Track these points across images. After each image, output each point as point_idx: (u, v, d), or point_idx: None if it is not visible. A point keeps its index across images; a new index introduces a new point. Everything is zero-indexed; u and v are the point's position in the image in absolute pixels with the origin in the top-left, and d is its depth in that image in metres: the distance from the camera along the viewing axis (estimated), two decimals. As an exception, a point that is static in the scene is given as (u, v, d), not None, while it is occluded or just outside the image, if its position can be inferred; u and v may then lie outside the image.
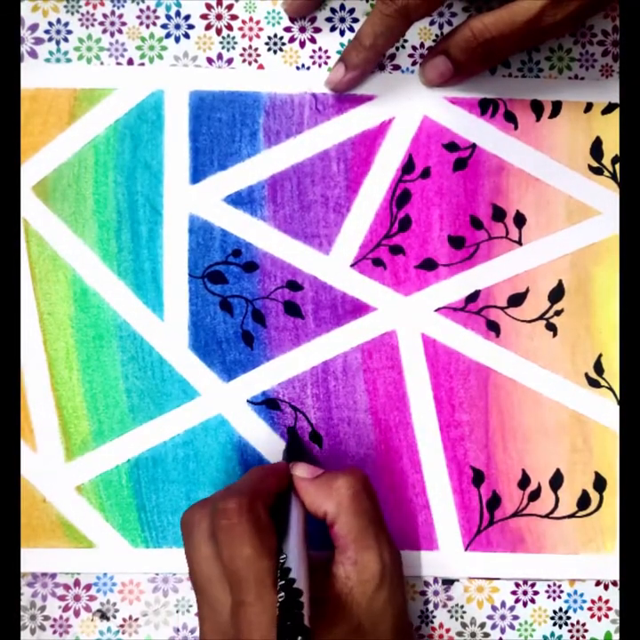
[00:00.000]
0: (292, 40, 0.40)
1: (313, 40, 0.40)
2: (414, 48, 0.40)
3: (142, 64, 0.40)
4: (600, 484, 0.39)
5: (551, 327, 0.40)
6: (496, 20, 0.36)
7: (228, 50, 0.40)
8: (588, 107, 0.40)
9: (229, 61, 0.40)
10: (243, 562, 0.30)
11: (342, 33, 0.40)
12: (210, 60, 0.40)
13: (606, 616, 0.39)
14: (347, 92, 0.40)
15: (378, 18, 0.36)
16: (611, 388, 0.39)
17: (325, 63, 0.40)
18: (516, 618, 0.39)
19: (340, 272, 0.40)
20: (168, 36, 0.40)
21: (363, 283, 0.40)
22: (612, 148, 0.40)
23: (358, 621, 0.31)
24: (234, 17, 0.40)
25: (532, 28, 0.35)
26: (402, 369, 0.39)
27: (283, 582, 0.29)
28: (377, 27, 0.36)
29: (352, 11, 0.40)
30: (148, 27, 0.40)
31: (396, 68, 0.40)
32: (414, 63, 0.40)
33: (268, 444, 0.39)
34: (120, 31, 0.40)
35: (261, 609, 0.29)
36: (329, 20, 0.40)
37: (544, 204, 0.40)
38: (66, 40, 0.40)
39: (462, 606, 0.39)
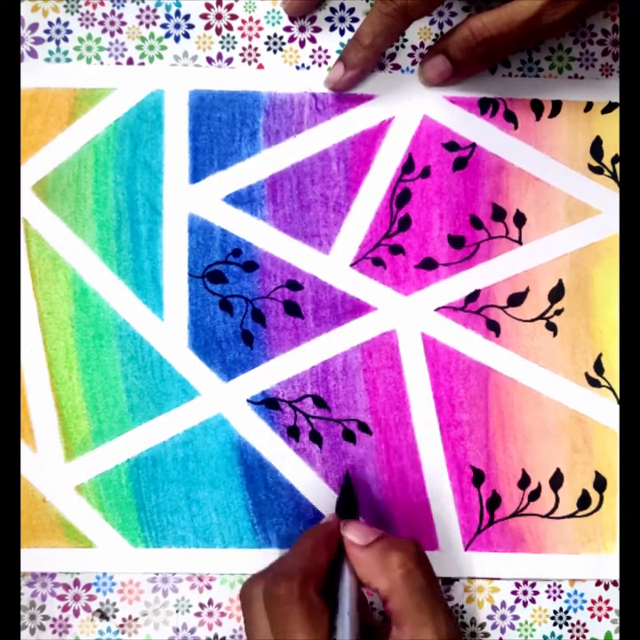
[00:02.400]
0: (291, 40, 0.40)
1: (313, 40, 0.40)
2: (414, 48, 0.40)
3: (142, 64, 0.40)
4: (600, 483, 0.39)
5: (551, 327, 0.40)
6: (495, 19, 0.36)
7: (228, 49, 0.40)
8: (588, 106, 0.40)
9: (229, 61, 0.40)
10: None
11: (342, 32, 0.40)
12: (210, 60, 0.40)
13: (606, 616, 0.39)
14: (346, 92, 0.40)
15: (377, 17, 0.36)
16: (611, 388, 0.39)
17: (325, 63, 0.40)
18: (516, 618, 0.39)
19: (339, 272, 0.40)
20: (168, 35, 0.40)
21: (362, 282, 0.40)
22: (612, 147, 0.40)
23: None
24: (234, 17, 0.40)
25: (532, 28, 0.35)
26: (402, 369, 0.39)
27: None
28: (376, 26, 0.36)
29: (352, 10, 0.40)
30: (147, 26, 0.40)
31: (396, 67, 0.40)
32: (414, 63, 0.40)
33: (268, 443, 0.39)
34: (120, 31, 0.40)
35: None
36: (329, 19, 0.40)
37: (544, 204, 0.40)
38: (66, 40, 0.40)
39: (462, 606, 0.39)
